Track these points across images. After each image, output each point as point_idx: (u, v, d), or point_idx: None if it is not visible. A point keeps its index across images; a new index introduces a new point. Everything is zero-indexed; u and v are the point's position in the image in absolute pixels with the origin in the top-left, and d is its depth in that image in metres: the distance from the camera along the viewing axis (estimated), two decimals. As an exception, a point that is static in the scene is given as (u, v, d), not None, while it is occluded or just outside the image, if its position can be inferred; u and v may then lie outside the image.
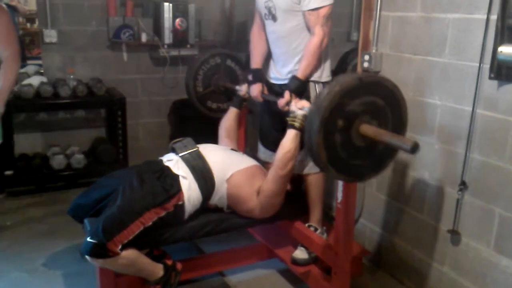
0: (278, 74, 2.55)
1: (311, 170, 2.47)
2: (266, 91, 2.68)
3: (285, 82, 2.46)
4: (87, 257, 1.97)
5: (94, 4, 3.74)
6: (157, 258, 2.24)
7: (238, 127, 2.83)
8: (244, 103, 2.85)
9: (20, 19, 3.60)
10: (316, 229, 2.51)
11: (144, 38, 3.79)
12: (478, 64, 2.04)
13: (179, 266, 2.26)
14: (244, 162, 2.40)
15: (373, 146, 1.78)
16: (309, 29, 2.35)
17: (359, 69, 2.63)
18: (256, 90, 2.66)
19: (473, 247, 2.18)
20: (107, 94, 3.66)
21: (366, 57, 2.56)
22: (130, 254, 2.01)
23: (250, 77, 2.71)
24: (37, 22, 3.61)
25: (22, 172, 3.48)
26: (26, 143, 3.73)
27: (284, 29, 2.43)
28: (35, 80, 3.53)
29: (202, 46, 3.93)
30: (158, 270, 2.17)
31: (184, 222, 2.22)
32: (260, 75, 2.67)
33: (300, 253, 2.49)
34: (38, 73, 3.67)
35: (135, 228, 2.01)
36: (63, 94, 3.48)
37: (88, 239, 1.96)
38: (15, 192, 3.53)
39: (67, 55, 3.75)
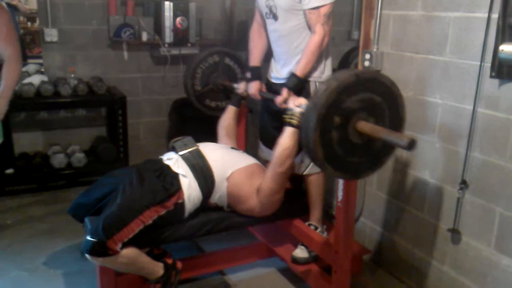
0: (279, 73, 2.55)
1: (311, 170, 2.47)
2: (264, 89, 2.68)
3: None
4: (87, 255, 1.97)
5: (95, 3, 3.74)
6: (157, 257, 2.24)
7: (237, 125, 2.82)
8: (243, 101, 2.84)
9: (21, 18, 3.59)
10: (316, 228, 2.51)
11: (144, 37, 3.79)
12: (479, 63, 2.04)
13: (179, 265, 2.26)
14: (244, 160, 2.40)
15: (370, 143, 1.78)
16: (310, 28, 2.34)
17: (360, 68, 2.63)
18: (254, 87, 2.65)
19: (473, 246, 2.18)
20: (108, 93, 3.65)
21: (367, 56, 2.56)
22: (130, 252, 2.02)
23: (248, 75, 2.71)
24: (37, 21, 3.61)
25: (23, 171, 3.48)
26: (26, 142, 3.73)
27: (285, 28, 2.43)
28: (35, 79, 3.53)
29: (203, 45, 3.92)
30: (158, 268, 2.17)
31: (184, 221, 2.22)
32: (259, 73, 2.66)
33: (300, 252, 2.49)
34: (38, 72, 3.67)
35: (135, 227, 2.01)
36: (64, 93, 3.48)
37: (88, 237, 1.96)
38: (15, 191, 3.53)
39: (68, 54, 3.75)
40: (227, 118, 2.76)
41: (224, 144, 2.65)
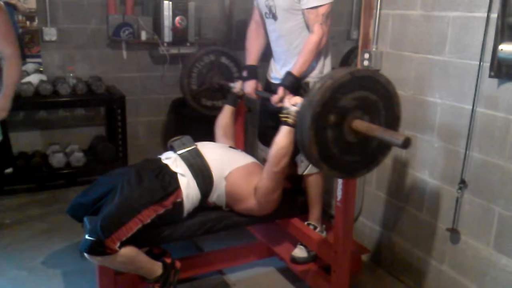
0: (278, 73, 2.55)
1: (311, 170, 2.46)
2: (260, 88, 2.67)
3: None
4: (85, 254, 1.97)
5: (94, 2, 3.73)
6: (156, 256, 2.24)
7: (234, 124, 2.81)
8: (239, 101, 2.84)
9: (20, 17, 3.59)
10: (315, 227, 2.51)
11: (143, 36, 3.79)
12: (478, 63, 2.04)
13: (178, 264, 2.26)
14: (242, 159, 2.40)
15: (365, 142, 1.78)
16: (308, 27, 2.34)
17: (358, 67, 2.63)
18: (250, 86, 2.65)
19: (472, 246, 2.18)
20: (107, 92, 3.65)
21: (366, 56, 2.56)
22: (128, 251, 2.01)
23: (244, 74, 2.70)
24: (36, 20, 3.61)
25: (22, 171, 3.48)
26: (25, 141, 3.73)
27: (285, 28, 2.43)
28: (34, 78, 3.52)
29: (202, 44, 3.92)
30: (157, 268, 2.17)
31: (183, 220, 2.22)
32: (255, 72, 2.66)
33: (300, 252, 2.49)
34: (37, 71, 3.67)
35: (133, 225, 2.01)
36: (63, 92, 3.48)
37: (87, 236, 1.96)
38: (14, 190, 3.53)
39: (67, 53, 3.74)
40: (224, 117, 2.75)
41: (222, 143, 2.65)
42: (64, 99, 3.49)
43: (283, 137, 2.14)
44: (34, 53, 3.65)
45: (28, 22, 3.61)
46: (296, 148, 2.16)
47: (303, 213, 2.55)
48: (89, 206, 2.20)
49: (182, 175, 2.21)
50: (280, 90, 2.35)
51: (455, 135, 2.21)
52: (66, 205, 2.29)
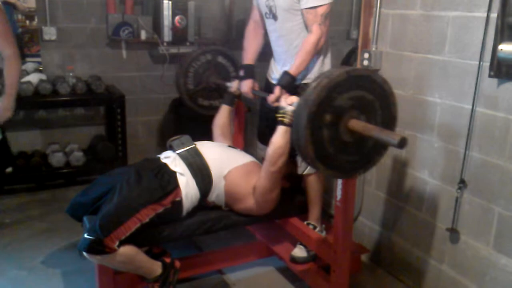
0: (278, 73, 2.54)
1: (310, 170, 2.46)
2: (257, 87, 2.67)
3: None
4: (84, 253, 1.97)
5: (93, 1, 3.72)
6: (156, 256, 2.24)
7: (231, 124, 2.80)
8: (236, 100, 2.83)
9: (19, 17, 3.58)
10: (315, 227, 2.51)
11: (143, 35, 3.78)
12: (478, 62, 2.04)
13: (177, 264, 2.26)
14: (241, 158, 2.40)
15: (361, 142, 1.78)
16: (306, 27, 2.34)
17: (358, 67, 2.63)
18: (246, 86, 2.65)
19: (472, 246, 2.18)
20: (106, 92, 3.65)
21: (366, 55, 2.56)
22: (127, 250, 2.01)
23: (241, 73, 2.69)
24: (36, 20, 3.60)
25: (21, 170, 3.47)
26: (25, 140, 3.72)
27: (285, 28, 2.43)
28: (34, 78, 3.52)
29: (202, 43, 3.91)
30: (156, 267, 2.17)
31: (182, 220, 2.22)
32: (252, 71, 2.66)
33: (299, 251, 2.49)
34: (37, 70, 3.66)
35: (132, 225, 2.01)
36: (62, 91, 3.48)
37: (85, 235, 1.96)
38: (14, 190, 3.53)
39: (66, 52, 3.74)
40: (221, 117, 2.75)
41: (221, 143, 2.65)
42: (64, 98, 3.49)
43: (279, 136, 2.14)
44: (33, 52, 3.65)
45: (27, 22, 3.60)
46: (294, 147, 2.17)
47: (303, 213, 2.55)
48: (89, 206, 2.20)
49: (181, 174, 2.21)
50: (277, 90, 2.34)
51: (454, 135, 2.20)
52: (66, 205, 2.29)
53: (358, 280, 2.55)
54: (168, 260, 2.23)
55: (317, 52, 2.37)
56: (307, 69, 2.42)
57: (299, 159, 2.45)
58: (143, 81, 4.06)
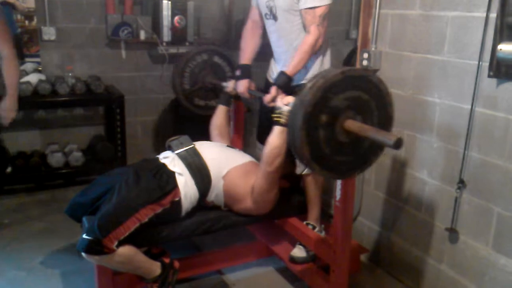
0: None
1: (309, 170, 2.46)
2: (253, 87, 2.67)
3: None
4: (83, 254, 1.97)
5: (93, 1, 3.72)
6: (155, 256, 2.24)
7: (229, 124, 2.80)
8: (232, 100, 2.82)
9: (19, 17, 3.58)
10: (314, 227, 2.51)
11: (142, 35, 3.78)
12: (477, 62, 2.04)
13: (176, 264, 2.26)
14: (240, 158, 2.40)
15: (357, 142, 1.77)
16: (305, 28, 2.34)
17: (357, 67, 2.63)
18: (242, 86, 2.64)
19: (471, 246, 2.18)
20: (106, 92, 3.64)
21: (365, 55, 2.56)
22: (126, 251, 2.01)
23: (237, 73, 2.69)
24: (35, 20, 3.60)
25: (20, 170, 3.47)
26: (24, 141, 3.72)
27: (285, 28, 2.43)
28: (33, 78, 3.52)
29: (201, 43, 3.91)
30: (155, 268, 2.17)
31: (181, 220, 2.21)
32: (248, 71, 2.65)
33: (299, 252, 2.49)
34: (36, 70, 3.66)
35: (131, 225, 2.00)
36: (62, 91, 3.47)
37: (84, 235, 1.96)
38: (13, 190, 3.52)
39: (66, 52, 3.74)
40: (218, 117, 2.74)
41: (219, 143, 2.65)
42: (63, 98, 3.48)
43: (275, 137, 2.14)
44: (33, 52, 3.64)
45: (26, 22, 3.60)
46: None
47: (302, 213, 2.55)
48: (88, 206, 2.20)
49: (180, 174, 2.21)
50: (273, 90, 2.34)
51: (454, 135, 2.20)
52: (65, 205, 2.29)
53: (358, 280, 2.55)
54: (167, 260, 2.23)
55: (315, 52, 2.36)
56: (306, 69, 2.42)
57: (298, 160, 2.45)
58: (143, 81, 4.05)
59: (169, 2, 3.69)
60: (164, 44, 3.78)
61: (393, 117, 1.87)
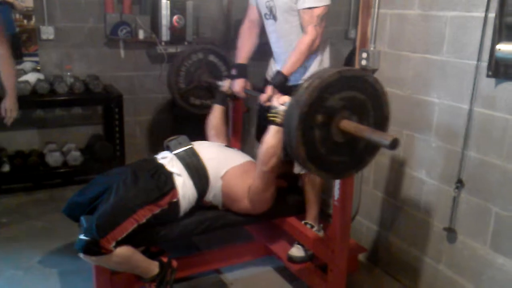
0: None
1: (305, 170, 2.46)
2: (249, 87, 2.66)
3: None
4: (80, 254, 1.97)
5: (91, 0, 3.72)
6: (154, 255, 2.23)
7: (225, 124, 2.78)
8: (228, 99, 2.81)
9: (17, 16, 3.57)
10: (312, 227, 2.51)
11: (141, 35, 3.77)
12: (476, 62, 2.04)
13: (174, 263, 2.26)
14: (238, 158, 2.40)
15: (353, 142, 1.77)
16: (302, 28, 2.33)
17: (357, 67, 2.63)
18: (238, 85, 2.64)
19: (469, 245, 2.18)
20: (104, 91, 3.64)
21: (364, 55, 2.56)
22: (124, 251, 2.01)
23: (233, 72, 2.68)
24: (34, 19, 3.59)
25: (19, 169, 3.46)
26: (22, 140, 3.71)
27: (284, 29, 2.43)
28: (31, 77, 3.51)
29: (200, 43, 3.91)
30: (153, 267, 2.17)
31: (180, 220, 2.21)
32: (244, 71, 2.65)
33: (297, 251, 2.49)
34: (34, 70, 3.65)
35: (129, 225, 2.00)
36: (60, 91, 3.47)
37: (82, 236, 1.96)
38: (11, 189, 3.52)
39: (64, 52, 3.73)
40: (214, 117, 2.73)
41: (217, 143, 2.64)
42: (61, 98, 3.48)
43: (271, 136, 2.14)
44: (31, 51, 3.64)
45: (25, 21, 3.59)
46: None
47: (300, 212, 2.55)
48: (86, 205, 2.20)
49: (178, 175, 2.21)
50: (269, 89, 2.34)
51: (452, 134, 2.21)
52: (63, 204, 2.29)
53: (356, 280, 2.55)
54: (165, 259, 2.23)
55: (312, 53, 2.36)
56: (305, 69, 2.42)
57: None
58: (141, 80, 4.05)
59: (168, 1, 3.69)
60: (163, 43, 3.78)
61: (389, 117, 1.87)
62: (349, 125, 1.70)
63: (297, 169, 2.48)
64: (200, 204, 2.29)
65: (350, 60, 3.45)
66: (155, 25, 3.79)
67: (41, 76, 3.58)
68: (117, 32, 3.72)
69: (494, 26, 1.93)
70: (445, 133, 2.25)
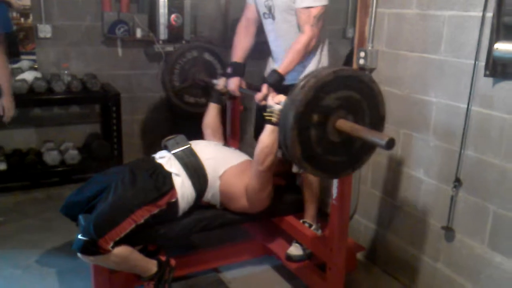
0: None
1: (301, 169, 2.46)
2: (244, 85, 2.65)
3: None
4: (78, 254, 1.96)
5: (89, -1, 3.72)
6: (151, 254, 2.23)
7: (221, 122, 2.77)
8: (224, 98, 2.80)
9: (14, 14, 3.56)
10: (310, 225, 2.52)
11: (139, 33, 3.77)
12: (473, 61, 2.05)
13: (173, 262, 2.25)
14: (236, 158, 2.40)
15: (349, 142, 1.77)
16: (299, 27, 2.33)
17: (354, 66, 2.63)
18: (233, 83, 2.63)
19: (467, 244, 2.19)
20: (102, 90, 3.63)
21: (362, 54, 2.56)
22: (122, 251, 2.00)
23: (228, 70, 2.67)
24: (31, 17, 3.58)
25: (16, 168, 3.46)
26: (19, 138, 3.70)
27: (283, 28, 2.43)
28: (29, 76, 3.50)
29: (198, 42, 3.90)
30: (151, 266, 2.16)
31: (178, 219, 2.21)
32: (240, 69, 2.63)
33: (295, 250, 2.49)
34: (32, 68, 3.64)
35: (127, 226, 2.00)
36: (58, 89, 3.46)
37: (80, 236, 1.95)
38: (8, 188, 3.51)
39: (62, 50, 3.72)
40: (210, 116, 2.72)
41: (215, 142, 2.64)
42: (59, 96, 3.47)
43: (266, 135, 2.13)
44: (28, 50, 3.63)
45: (22, 19, 3.58)
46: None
47: (299, 211, 2.55)
48: (84, 204, 2.19)
49: (177, 175, 2.20)
50: (264, 88, 2.32)
51: (450, 134, 2.21)
52: (61, 203, 2.29)
53: (354, 278, 2.56)
54: (163, 258, 2.23)
55: (309, 53, 2.36)
56: (303, 68, 2.42)
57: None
58: (139, 79, 4.04)
59: (166, 0, 3.68)
60: (161, 42, 3.77)
61: (385, 116, 1.87)
62: (345, 124, 1.70)
63: (295, 168, 2.48)
64: (198, 204, 2.29)
65: (349, 59, 3.45)
66: (152, 24, 3.79)
67: (39, 75, 3.57)
68: (114, 31, 3.71)
69: (492, 26, 1.94)
70: (443, 132, 2.26)
